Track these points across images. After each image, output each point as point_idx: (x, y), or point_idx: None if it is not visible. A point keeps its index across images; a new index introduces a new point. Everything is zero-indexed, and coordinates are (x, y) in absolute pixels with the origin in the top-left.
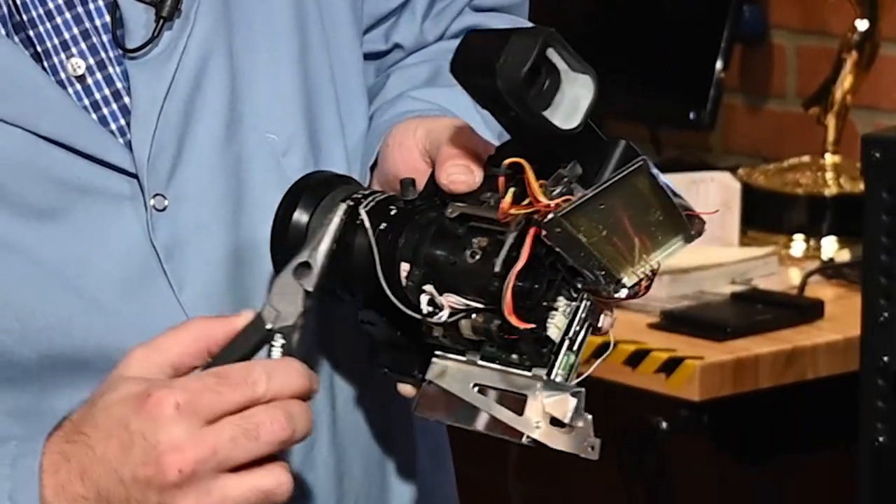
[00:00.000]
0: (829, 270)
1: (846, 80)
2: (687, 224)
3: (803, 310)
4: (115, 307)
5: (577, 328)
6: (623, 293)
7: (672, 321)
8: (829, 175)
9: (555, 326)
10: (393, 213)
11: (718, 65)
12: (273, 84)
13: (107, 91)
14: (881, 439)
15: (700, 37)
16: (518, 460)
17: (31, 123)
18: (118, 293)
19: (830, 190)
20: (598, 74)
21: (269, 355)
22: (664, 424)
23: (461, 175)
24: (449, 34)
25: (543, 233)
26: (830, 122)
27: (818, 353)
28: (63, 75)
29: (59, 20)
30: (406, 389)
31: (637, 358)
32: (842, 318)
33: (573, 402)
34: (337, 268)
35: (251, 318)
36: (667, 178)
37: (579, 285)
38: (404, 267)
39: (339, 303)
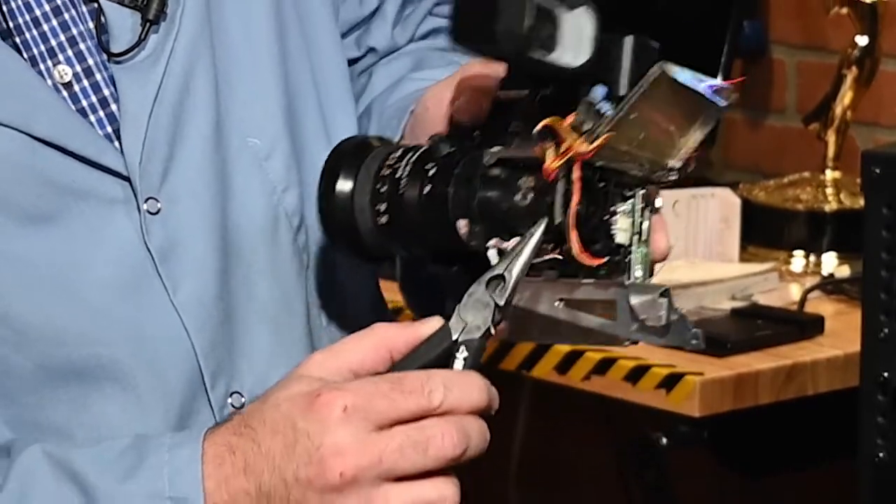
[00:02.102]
0: (830, 286)
1: (846, 96)
2: (713, 102)
3: (803, 325)
4: (109, 311)
5: (640, 219)
6: (674, 175)
7: None
8: (830, 191)
9: (621, 231)
10: (432, 171)
11: (718, 80)
12: (254, 88)
13: (94, 98)
14: (881, 455)
15: (700, 52)
16: (518, 469)
17: (26, 125)
18: (113, 297)
19: (830, 206)
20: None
21: (451, 367)
22: (664, 440)
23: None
24: (418, 36)
25: (589, 159)
26: (830, 137)
27: (818, 368)
28: (50, 82)
29: (45, 27)
30: None
31: (637, 373)
32: (842, 333)
33: (664, 302)
34: (392, 229)
35: (437, 327)
36: (684, 72)
37: (628, 182)
38: (462, 223)
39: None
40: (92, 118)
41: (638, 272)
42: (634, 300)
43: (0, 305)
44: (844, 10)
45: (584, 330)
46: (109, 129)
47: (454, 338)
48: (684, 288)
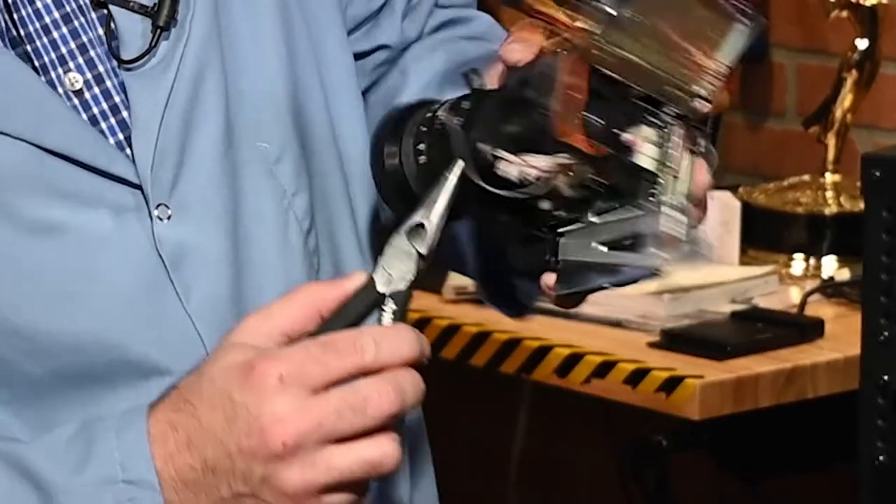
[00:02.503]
0: (829, 289)
1: (846, 99)
2: (737, 13)
3: (803, 329)
4: (122, 319)
5: (677, 154)
6: (704, 104)
7: (672, 340)
8: (830, 194)
9: (644, 155)
10: (467, 106)
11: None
12: (262, 92)
13: (105, 105)
14: (881, 458)
15: None
16: (518, 472)
17: (36, 137)
18: (126, 305)
19: (830, 209)
20: None
21: (379, 321)
22: (664, 443)
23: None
24: (428, 29)
25: (589, 53)
26: (830, 140)
27: (818, 371)
28: (61, 90)
29: (56, 34)
30: (548, 278)
31: (637, 377)
32: (842, 336)
33: (683, 218)
34: (432, 167)
35: (363, 282)
36: None
37: (663, 113)
38: (486, 148)
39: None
40: (103, 125)
41: (672, 201)
42: (659, 223)
43: (11, 314)
44: (844, 14)
45: (621, 267)
46: (121, 136)
47: (380, 291)
48: (684, 291)
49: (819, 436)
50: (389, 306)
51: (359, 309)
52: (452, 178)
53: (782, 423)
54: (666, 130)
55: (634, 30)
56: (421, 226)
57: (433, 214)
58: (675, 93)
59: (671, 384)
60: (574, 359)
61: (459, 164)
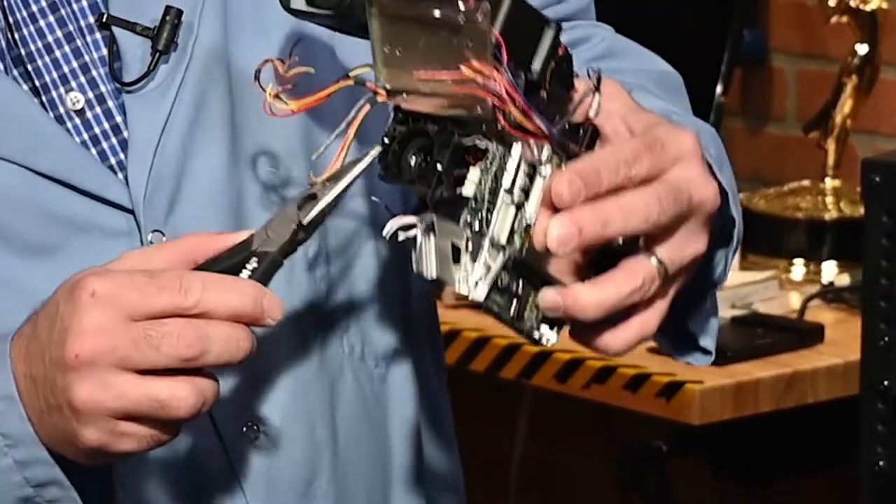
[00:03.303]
0: (829, 294)
1: (846, 104)
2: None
3: (803, 334)
4: None
5: (498, 172)
6: (488, 109)
7: None
8: (829, 199)
9: (469, 182)
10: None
11: (718, 89)
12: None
13: (106, 125)
14: (881, 463)
15: (700, 60)
16: (518, 477)
17: (29, 160)
18: None
19: (830, 214)
20: None
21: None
22: (664, 448)
23: None
24: None
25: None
26: (830, 146)
27: (818, 376)
28: (62, 109)
29: (58, 53)
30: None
31: (637, 382)
32: (842, 342)
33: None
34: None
35: (243, 238)
36: None
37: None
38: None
39: None
40: (104, 145)
41: (499, 235)
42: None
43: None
44: (844, 19)
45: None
46: (122, 156)
47: (253, 248)
48: None
49: (819, 441)
50: (251, 264)
51: (227, 262)
52: (367, 159)
53: (782, 428)
54: (492, 153)
55: (405, 65)
56: (314, 196)
57: (329, 189)
58: (474, 110)
59: (671, 389)
60: (574, 364)
61: (377, 149)
